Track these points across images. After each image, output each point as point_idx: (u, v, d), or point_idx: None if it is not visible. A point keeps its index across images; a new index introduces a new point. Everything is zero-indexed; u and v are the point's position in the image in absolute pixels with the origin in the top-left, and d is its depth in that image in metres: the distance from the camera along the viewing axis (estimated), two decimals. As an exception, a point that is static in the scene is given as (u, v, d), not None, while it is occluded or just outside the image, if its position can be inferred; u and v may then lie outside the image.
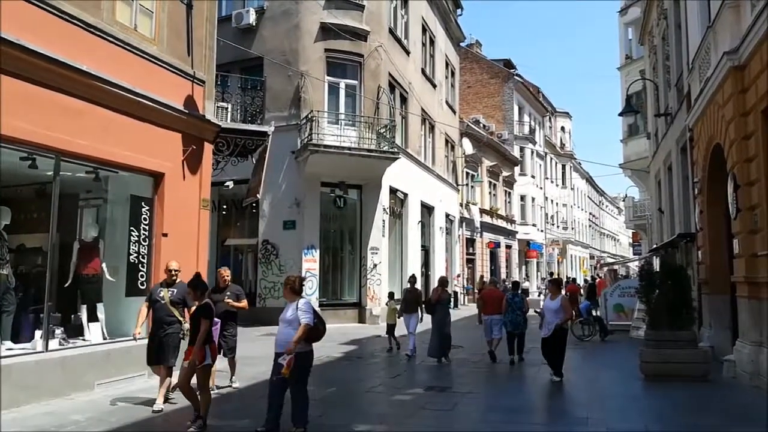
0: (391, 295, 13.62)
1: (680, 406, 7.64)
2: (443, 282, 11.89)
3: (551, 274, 41.80)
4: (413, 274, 14.15)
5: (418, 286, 20.80)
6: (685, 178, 14.49)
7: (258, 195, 11.89)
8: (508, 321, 11.20)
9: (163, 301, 7.25)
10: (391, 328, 12.50)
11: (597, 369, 11.03)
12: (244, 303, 8.30)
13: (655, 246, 20.35)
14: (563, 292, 12.36)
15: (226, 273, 8.38)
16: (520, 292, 12.02)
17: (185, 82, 9.75)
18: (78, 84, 7.62)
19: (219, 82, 14.05)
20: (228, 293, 8.15)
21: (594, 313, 17.10)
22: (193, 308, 6.53)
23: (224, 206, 18.30)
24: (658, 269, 12.83)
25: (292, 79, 17.00)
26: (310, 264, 16.47)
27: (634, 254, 39.75)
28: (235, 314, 8.23)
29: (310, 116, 16.15)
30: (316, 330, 5.91)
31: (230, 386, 8.32)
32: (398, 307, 12.54)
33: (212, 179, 10.78)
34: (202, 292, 6.50)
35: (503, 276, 33.55)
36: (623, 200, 42.62)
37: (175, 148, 9.49)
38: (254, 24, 17.48)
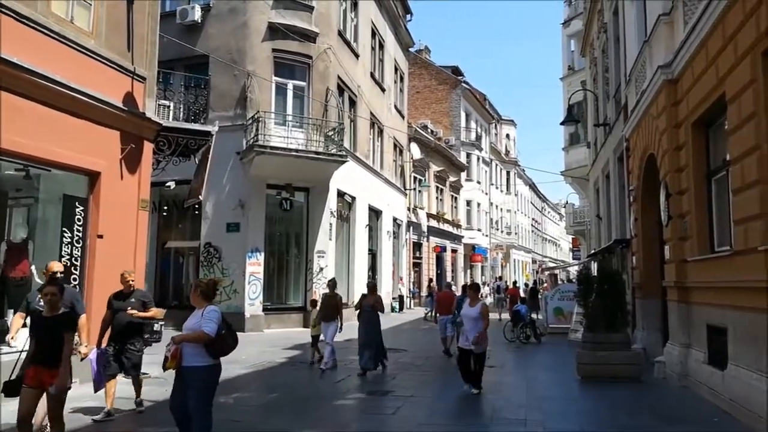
0: (313, 303, 12.36)
1: (614, 406, 7.90)
2: (372, 287, 11.09)
3: (499, 278, 42.68)
4: (333, 278, 12.67)
5: (363, 291, 21.16)
6: (621, 187, 15.07)
7: (200, 196, 11.59)
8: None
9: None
10: (314, 339, 11.24)
11: (536, 371, 11.29)
12: (152, 312, 7.20)
13: (593, 251, 21.08)
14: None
15: (131, 276, 7.22)
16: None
17: (125, 78, 9.42)
18: (8, 77, 7.23)
19: (161, 79, 13.66)
20: (132, 300, 7.04)
21: (534, 317, 17.55)
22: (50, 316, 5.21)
23: (165, 207, 17.76)
24: (596, 274, 13.31)
25: (238, 79, 16.69)
26: (254, 267, 16.19)
27: (573, 259, 41.06)
28: (140, 326, 7.14)
29: (256, 117, 15.90)
30: (221, 342, 4.97)
31: (135, 409, 7.11)
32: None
33: (152, 179, 10.45)
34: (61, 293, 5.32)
35: (449, 279, 33.97)
36: (564, 207, 43.99)
37: (113, 146, 9.15)
38: (199, 21, 17.08)
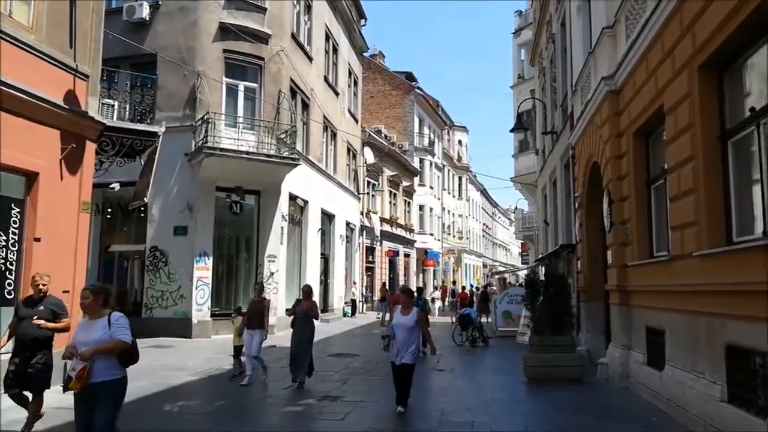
0: (238, 310, 11.02)
1: (558, 407, 8.10)
2: (307, 292, 9.93)
3: (453, 282, 43.15)
4: (260, 281, 11.91)
5: (316, 296, 21.02)
6: (567, 193, 15.51)
7: (146, 198, 11.26)
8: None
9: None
10: (237, 350, 10.24)
11: (484, 374, 11.46)
12: (63, 323, 6.40)
13: (540, 256, 21.60)
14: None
15: (44, 280, 6.47)
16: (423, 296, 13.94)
17: (66, 75, 9.06)
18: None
19: (105, 77, 13.27)
20: (41, 308, 6.28)
21: (484, 320, 17.83)
22: None
23: (109, 210, 17.15)
24: (543, 278, 13.65)
25: (187, 79, 16.32)
26: (202, 272, 15.82)
27: (522, 263, 41.95)
28: (49, 338, 6.36)
29: (206, 118, 15.57)
30: (135, 350, 4.65)
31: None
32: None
33: (95, 180, 10.10)
34: None
35: (401, 283, 34.20)
36: (514, 212, 44.95)
37: (53, 146, 8.78)
38: (147, 19, 16.61)
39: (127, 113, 15.84)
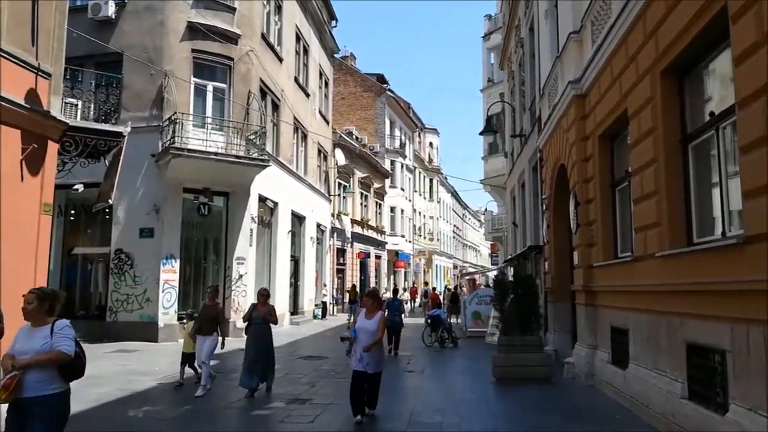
0: (189, 314, 10.21)
1: (526, 406, 8.20)
2: (263, 295, 9.37)
3: (426, 283, 43.32)
4: (214, 285, 11.40)
5: (285, 299, 20.89)
6: (535, 195, 15.74)
7: (110, 200, 11.03)
8: (388, 321, 11.91)
9: None
10: (187, 358, 9.49)
11: (454, 375, 11.53)
12: None
13: (509, 257, 21.85)
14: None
15: None
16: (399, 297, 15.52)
17: (28, 74, 8.81)
18: None
19: (69, 76, 12.94)
20: None
21: (454, 321, 17.95)
22: None
23: (72, 211, 16.71)
24: (512, 279, 13.81)
25: (154, 78, 16.03)
26: (169, 275, 15.54)
27: (492, 264, 42.39)
28: None
29: (173, 118, 15.31)
30: (79, 362, 4.23)
31: None
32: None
33: (58, 181, 9.84)
34: None
35: (372, 285, 34.22)
36: (483, 214, 45.39)
37: (13, 146, 8.53)
38: (113, 17, 16.26)
39: (92, 113, 15.48)
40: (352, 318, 22.74)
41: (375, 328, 7.08)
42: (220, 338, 9.11)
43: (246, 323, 9.21)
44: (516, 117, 19.80)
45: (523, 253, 16.98)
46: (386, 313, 14.01)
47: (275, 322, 9.28)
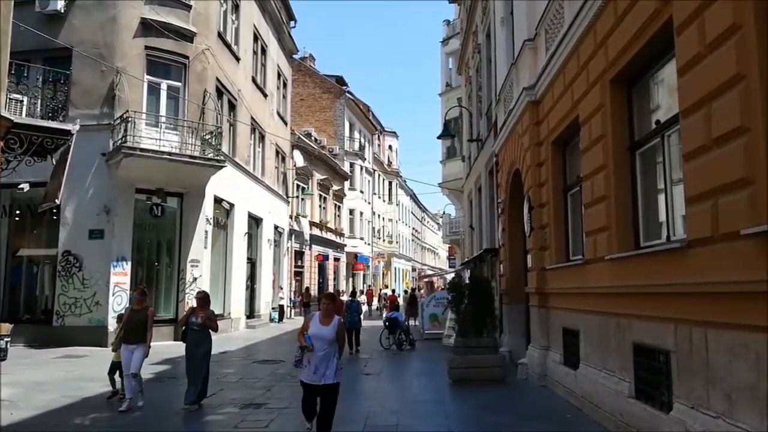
0: (119, 317, 9.00)
1: (480, 407, 8.29)
2: (202, 299, 8.46)
3: (386, 286, 43.37)
4: (141, 287, 10.36)
5: (241, 302, 20.56)
6: (491, 199, 15.97)
7: (57, 200, 10.62)
8: (347, 321, 14.16)
9: None
10: (114, 367, 8.52)
11: (410, 377, 11.57)
12: None
13: (466, 260, 22.11)
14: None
15: None
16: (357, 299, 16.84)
17: (-33, 67, 8.41)
18: None
19: (14, 71, 12.42)
20: None
21: (412, 323, 18.04)
22: None
23: (18, 211, 16.02)
24: (468, 281, 13.96)
25: (105, 75, 15.56)
26: (120, 277, 15.08)
27: (450, 267, 42.80)
28: None
29: (125, 116, 14.89)
30: None
31: None
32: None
33: (2, 181, 9.52)
34: None
35: (331, 288, 34.08)
36: (442, 217, 45.81)
37: (-50, 142, 8.13)
38: (63, 11, 15.70)
39: (38, 110, 14.89)
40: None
41: (333, 336, 6.07)
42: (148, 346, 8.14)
43: (183, 328, 8.38)
44: (473, 122, 20.07)
45: (480, 255, 17.20)
46: (345, 313, 15.15)
47: (215, 329, 8.40)
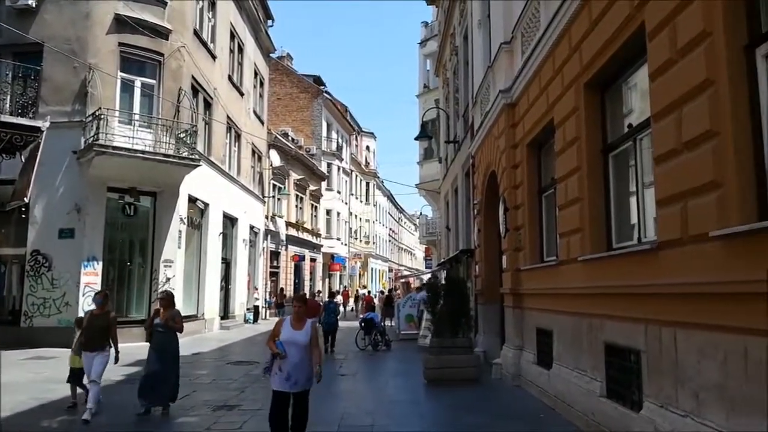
0: (78, 321, 8.44)
1: (454, 407, 8.33)
2: (166, 299, 8.07)
3: (364, 286, 43.25)
4: (104, 290, 9.96)
5: (215, 302, 20.34)
6: (467, 200, 16.08)
7: (26, 198, 10.42)
8: (325, 322, 15.26)
9: None
10: (74, 374, 8.06)
11: (386, 377, 11.59)
12: None
13: (443, 260, 22.21)
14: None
15: None
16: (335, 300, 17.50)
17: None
18: None
19: (-18, 65, 12.14)
20: None
21: (388, 324, 18.06)
22: None
23: (-16, 210, 15.61)
24: (444, 282, 14.04)
25: (77, 72, 15.24)
26: (91, 278, 14.77)
27: (426, 268, 42.97)
28: None
29: (97, 114, 14.60)
30: None
31: None
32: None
33: (-34, 178, 9.19)
34: None
35: (307, 288, 33.94)
36: (418, 218, 45.96)
37: None
38: (34, 6, 15.33)
39: (7, 106, 14.53)
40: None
41: (307, 340, 5.71)
42: (113, 352, 7.66)
43: (148, 331, 7.94)
44: (450, 123, 20.17)
45: (456, 256, 17.29)
46: (323, 314, 15.75)
47: (179, 329, 8.00)
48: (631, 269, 5.50)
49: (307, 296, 21.40)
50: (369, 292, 31.10)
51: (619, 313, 5.76)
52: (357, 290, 42.61)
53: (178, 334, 8.01)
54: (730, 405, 3.90)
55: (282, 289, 29.34)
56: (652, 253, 4.99)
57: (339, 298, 32.90)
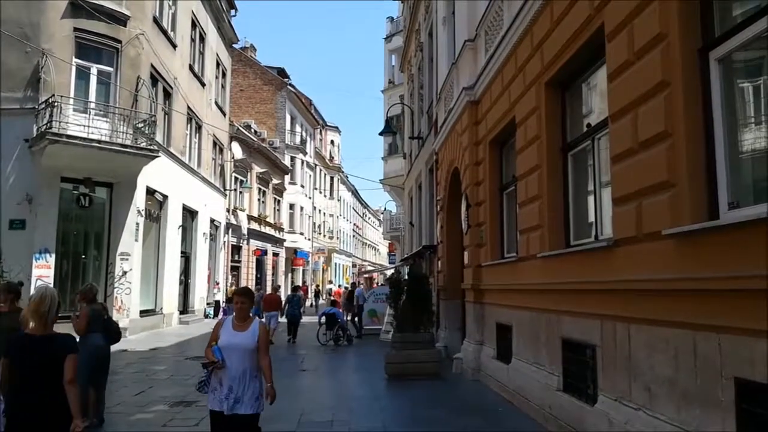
0: None
1: (415, 401, 8.38)
2: (85, 292, 6.99)
3: (330, 282, 42.73)
4: (5, 282, 8.24)
5: (174, 297, 19.90)
6: (431, 196, 16.16)
7: (-28, 188, 9.94)
8: (288, 314, 17.10)
9: None
10: None
11: (347, 372, 11.58)
12: None
13: (406, 256, 22.28)
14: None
15: None
16: (298, 293, 18.82)
17: None
18: None
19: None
20: None
21: (348, 319, 18.07)
22: None
23: (-71, 200, 14.89)
24: (407, 277, 14.07)
25: (30, 57, 14.66)
26: (43, 270, 14.27)
27: (390, 263, 43.06)
28: None
29: (51, 101, 14.09)
30: None
31: None
32: None
33: None
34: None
35: (270, 283, 33.58)
36: (383, 213, 45.99)
37: None
38: (-17, -14, 14.70)
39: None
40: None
41: (252, 344, 4.51)
42: None
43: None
44: (415, 119, 20.22)
45: (419, 252, 17.38)
46: (286, 307, 17.22)
47: (76, 328, 6.52)
48: (588, 266, 5.61)
49: (269, 291, 21.27)
50: (340, 286, 30.98)
51: (576, 309, 5.87)
52: (318, 285, 42.41)
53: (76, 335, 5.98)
54: (681, 398, 4.01)
55: (233, 284, 26.90)
56: (609, 250, 5.10)
57: (301, 293, 32.67)
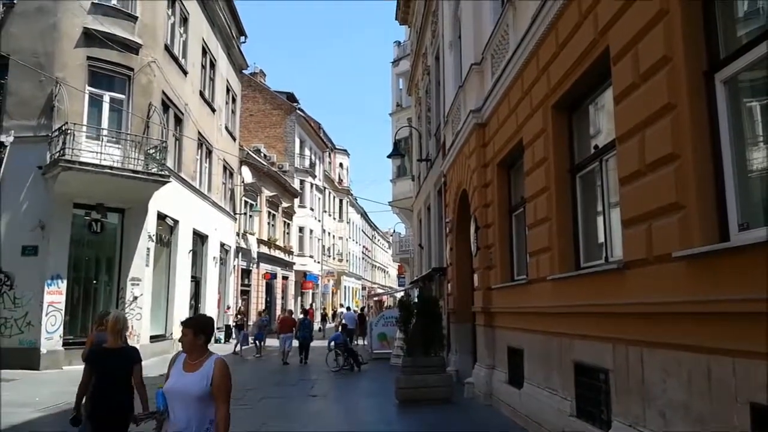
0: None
1: (427, 428, 8.27)
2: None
3: (341, 305, 42.49)
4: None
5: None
6: (440, 218, 16.13)
7: (-14, 215, 10.07)
8: (300, 336, 17.61)
9: None
10: None
11: (358, 398, 11.45)
12: None
13: (415, 278, 22.18)
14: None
15: None
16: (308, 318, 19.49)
17: None
18: None
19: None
20: None
21: (360, 342, 17.95)
22: None
23: (-57, 226, 15.09)
24: (417, 300, 13.99)
25: (44, 86, 14.95)
26: (55, 297, 14.35)
27: (399, 285, 42.88)
28: None
29: (64, 128, 14.31)
30: None
31: None
32: None
33: None
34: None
35: (279, 306, 33.52)
36: (392, 235, 45.96)
37: None
38: (0, 18, 15.07)
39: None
40: (239, 346, 20.78)
41: (202, 390, 3.47)
42: None
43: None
44: (423, 142, 20.31)
45: (428, 274, 17.29)
46: (298, 331, 17.67)
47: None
48: (598, 288, 5.55)
49: (279, 313, 21.31)
50: (349, 308, 30.86)
51: (588, 332, 5.80)
52: (325, 309, 42.14)
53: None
54: (696, 423, 3.93)
55: (240, 308, 26.08)
56: (619, 272, 5.05)
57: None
